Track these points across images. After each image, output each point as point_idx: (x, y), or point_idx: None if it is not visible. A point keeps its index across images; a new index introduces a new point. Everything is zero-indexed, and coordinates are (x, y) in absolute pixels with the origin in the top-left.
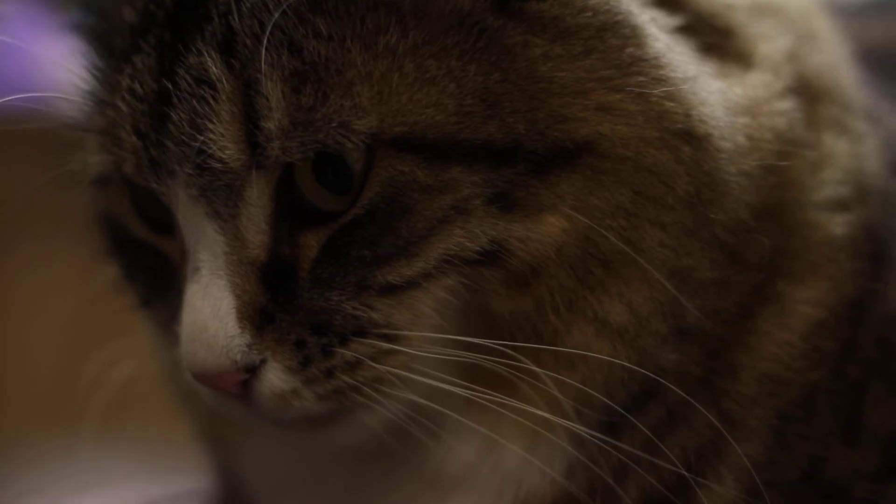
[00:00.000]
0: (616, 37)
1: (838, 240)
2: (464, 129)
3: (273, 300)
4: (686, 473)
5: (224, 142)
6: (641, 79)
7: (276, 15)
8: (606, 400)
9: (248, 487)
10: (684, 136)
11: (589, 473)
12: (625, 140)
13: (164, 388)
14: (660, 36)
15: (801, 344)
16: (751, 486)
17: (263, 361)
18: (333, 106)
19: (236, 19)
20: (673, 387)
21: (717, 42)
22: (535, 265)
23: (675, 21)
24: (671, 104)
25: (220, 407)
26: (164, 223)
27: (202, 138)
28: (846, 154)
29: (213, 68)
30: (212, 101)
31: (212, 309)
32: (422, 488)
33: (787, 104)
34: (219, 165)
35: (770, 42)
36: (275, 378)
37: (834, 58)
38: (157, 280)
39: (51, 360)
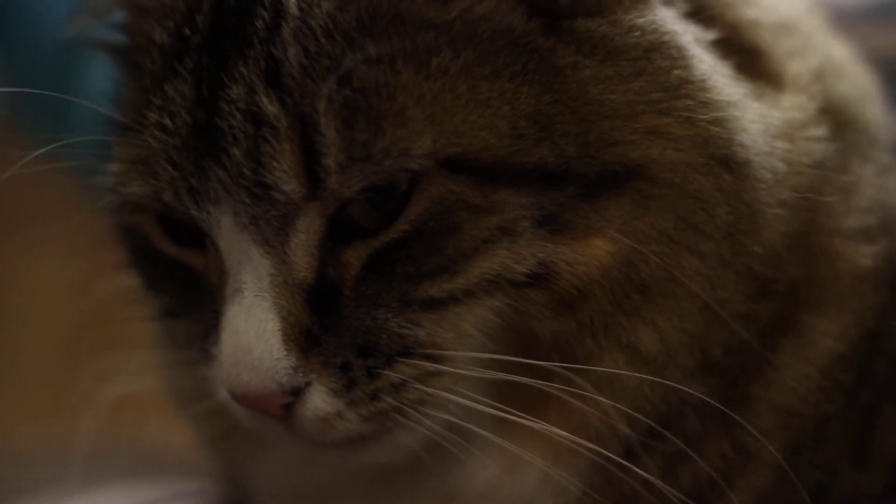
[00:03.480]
0: (663, 58)
1: (863, 271)
2: (517, 151)
3: (318, 322)
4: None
5: (287, 177)
6: (689, 102)
7: (325, 42)
8: (627, 427)
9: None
10: (726, 162)
11: (602, 497)
12: (673, 165)
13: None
14: (704, 57)
15: (819, 378)
16: None
17: (308, 384)
18: (389, 138)
19: (279, 48)
20: (692, 418)
21: (748, 62)
22: (581, 288)
23: (710, 35)
24: (716, 129)
25: (256, 428)
26: (191, 238)
27: (264, 173)
28: (872, 183)
29: (269, 107)
30: (273, 141)
31: (256, 331)
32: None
33: (821, 130)
34: (280, 197)
35: (798, 61)
36: (319, 401)
37: (859, 90)
38: (185, 294)
39: (48, 358)
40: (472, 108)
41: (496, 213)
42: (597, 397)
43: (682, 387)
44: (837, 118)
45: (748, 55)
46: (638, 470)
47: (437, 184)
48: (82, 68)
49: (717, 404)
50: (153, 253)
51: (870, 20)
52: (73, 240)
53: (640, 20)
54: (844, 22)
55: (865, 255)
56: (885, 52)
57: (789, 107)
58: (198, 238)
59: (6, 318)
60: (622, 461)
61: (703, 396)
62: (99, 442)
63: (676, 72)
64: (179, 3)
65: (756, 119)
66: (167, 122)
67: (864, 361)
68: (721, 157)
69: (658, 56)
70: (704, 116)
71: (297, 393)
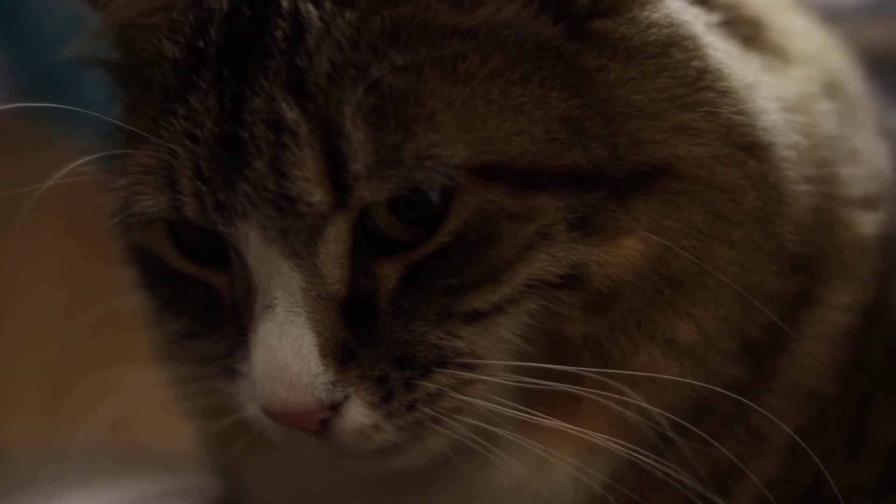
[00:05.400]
0: (681, 50)
1: (867, 240)
2: (552, 156)
3: (354, 335)
4: (711, 492)
5: (311, 187)
6: (710, 94)
7: (350, 53)
8: (666, 420)
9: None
10: (750, 149)
11: (629, 489)
12: (699, 160)
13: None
14: (716, 42)
15: (830, 352)
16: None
17: (346, 398)
18: (421, 141)
19: (304, 58)
20: (728, 402)
21: (754, 34)
22: (612, 288)
23: (715, 18)
24: (738, 117)
25: (288, 442)
26: (210, 256)
27: (288, 184)
28: (868, 150)
29: (289, 112)
30: (294, 148)
31: (292, 347)
32: (465, 503)
33: (830, 103)
34: (306, 209)
35: (799, 37)
36: (357, 414)
37: (844, 63)
38: (205, 313)
39: (41, 356)
40: (506, 114)
41: (536, 219)
42: (635, 395)
43: (726, 370)
44: (836, 90)
45: (753, 27)
46: (664, 461)
47: (475, 194)
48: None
49: (741, 391)
50: (169, 274)
51: (861, 16)
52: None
53: (656, 15)
54: (836, 18)
55: (869, 223)
56: (877, 47)
57: (801, 79)
58: (216, 255)
59: (3, 313)
60: (652, 454)
61: (737, 375)
62: (94, 439)
63: (694, 63)
64: (189, 16)
65: (772, 96)
66: (197, 131)
67: (865, 339)
68: (745, 144)
69: (676, 50)
70: (726, 106)
71: (335, 407)
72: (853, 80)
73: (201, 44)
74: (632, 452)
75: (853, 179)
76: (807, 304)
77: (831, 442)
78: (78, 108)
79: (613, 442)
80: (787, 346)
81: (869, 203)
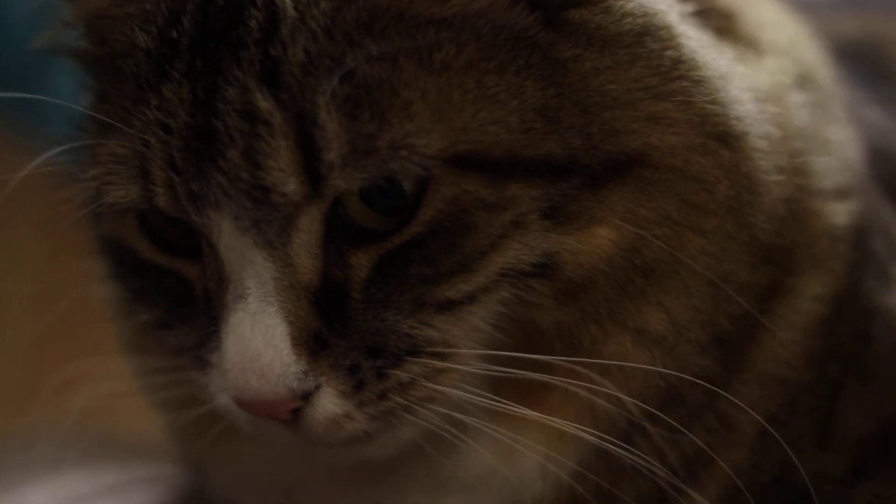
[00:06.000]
0: (655, 40)
1: (839, 230)
2: (527, 145)
3: (326, 325)
4: (680, 481)
5: (285, 176)
6: (684, 84)
7: (324, 42)
8: (635, 409)
9: (228, 497)
10: (724, 138)
11: (597, 477)
12: (673, 149)
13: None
14: (689, 32)
15: (802, 342)
16: (728, 493)
17: (318, 387)
18: (396, 131)
19: (278, 48)
20: (697, 392)
21: (726, 25)
22: (585, 277)
23: (689, 7)
24: (712, 107)
25: (259, 432)
26: (181, 246)
27: (262, 174)
28: (840, 141)
29: (263, 102)
30: (268, 138)
31: (264, 337)
32: (434, 492)
33: (803, 94)
34: (280, 199)
35: (772, 28)
36: (329, 403)
37: (816, 53)
38: (176, 304)
39: (11, 346)
40: (481, 104)
41: (510, 208)
42: (605, 383)
43: (695, 360)
44: (808, 82)
45: (726, 18)
46: (633, 449)
47: (450, 184)
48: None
49: (711, 381)
50: (139, 265)
51: (834, 8)
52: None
53: (631, 5)
54: (809, 9)
55: (841, 213)
56: (850, 39)
57: (774, 69)
58: (188, 245)
59: None
60: (621, 442)
61: (707, 366)
62: (64, 428)
63: (668, 52)
64: (163, 6)
65: (746, 86)
66: (170, 121)
67: (836, 328)
68: (718, 133)
69: (650, 39)
70: (699, 96)
71: (306, 397)
72: (825, 71)
73: (174, 34)
74: (601, 440)
75: (825, 170)
76: (779, 294)
77: (801, 430)
78: (48, 98)
79: (582, 430)
80: (758, 337)
81: (841, 194)
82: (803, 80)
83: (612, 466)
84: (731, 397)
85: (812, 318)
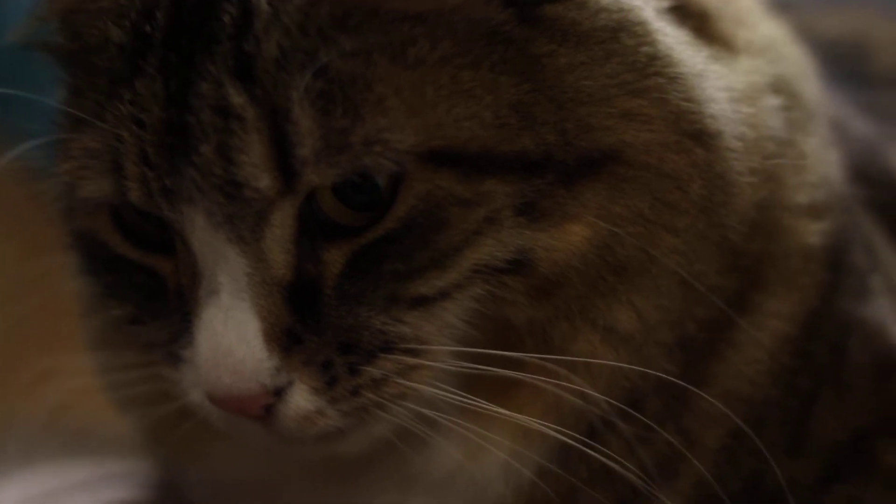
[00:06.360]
0: (630, 36)
1: (811, 249)
2: (502, 141)
3: (299, 321)
4: (646, 484)
5: (258, 172)
6: (660, 80)
7: (298, 38)
8: (600, 408)
9: (201, 494)
10: (698, 136)
11: (563, 477)
12: (647, 146)
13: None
14: (665, 28)
15: (768, 361)
16: (693, 502)
17: (290, 383)
18: (370, 126)
19: (252, 43)
20: (656, 399)
21: (702, 25)
22: (558, 273)
23: (664, 3)
24: (687, 104)
25: (231, 429)
26: (154, 241)
27: (235, 169)
28: (818, 158)
29: (236, 97)
30: (241, 133)
31: (237, 333)
32: (403, 490)
33: (776, 100)
34: (253, 194)
35: (746, 29)
36: (301, 400)
37: (799, 67)
38: (149, 299)
39: None
40: (455, 100)
41: (484, 204)
42: (573, 379)
43: (660, 363)
44: (785, 87)
45: (701, 16)
46: (598, 451)
47: (424, 179)
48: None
49: (679, 383)
50: (112, 260)
51: (816, 6)
52: (19, 229)
53: (606, 1)
54: (790, 7)
55: (814, 233)
56: (832, 37)
57: (749, 70)
58: (161, 240)
59: None
60: (588, 441)
61: (670, 371)
62: (36, 423)
63: (644, 49)
64: (136, 1)
65: (721, 85)
66: (143, 116)
67: (806, 346)
68: (693, 132)
69: (626, 35)
70: (675, 93)
71: (279, 393)
72: (810, 84)
73: (148, 28)
74: (567, 438)
75: (800, 185)
76: (745, 310)
77: (771, 440)
78: (21, 93)
79: (549, 427)
80: (721, 352)
81: (815, 212)
82: (779, 84)
83: (576, 466)
84: (692, 412)
85: (778, 336)
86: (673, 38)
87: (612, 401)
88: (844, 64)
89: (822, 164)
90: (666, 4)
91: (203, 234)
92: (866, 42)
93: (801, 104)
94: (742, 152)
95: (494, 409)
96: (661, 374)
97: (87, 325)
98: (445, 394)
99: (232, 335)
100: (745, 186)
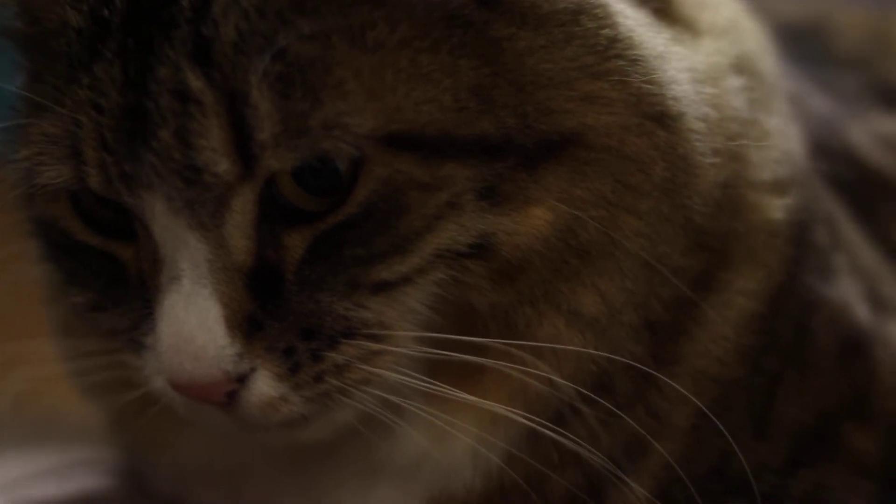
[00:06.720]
0: (591, 19)
1: (775, 225)
2: (461, 125)
3: (261, 307)
4: (612, 469)
5: (217, 156)
6: (621, 63)
7: (256, 21)
8: (574, 390)
9: (165, 481)
10: (660, 119)
11: (528, 462)
12: (608, 129)
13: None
14: (626, 11)
15: (734, 338)
16: (662, 484)
17: (253, 370)
18: (329, 110)
19: (210, 27)
20: (625, 380)
21: (663, 7)
22: (520, 258)
23: None
24: (648, 87)
25: (194, 416)
26: (115, 228)
27: (194, 154)
28: (780, 133)
29: (194, 82)
30: (199, 117)
31: (198, 319)
32: (368, 476)
33: (739, 80)
34: (212, 179)
35: (711, 10)
36: (264, 386)
37: (759, 44)
38: (110, 286)
39: None
40: (415, 83)
41: (445, 188)
42: (538, 364)
43: (627, 345)
44: (746, 67)
45: (662, 0)
46: (566, 435)
47: (384, 164)
48: None
49: (644, 367)
50: (73, 246)
51: None
52: None
53: None
54: None
55: (778, 209)
56: (793, 22)
57: (711, 51)
58: (121, 227)
59: None
60: (554, 426)
61: (638, 352)
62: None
63: (604, 31)
64: None
65: (683, 67)
66: (102, 101)
67: (772, 324)
68: (655, 114)
69: (586, 18)
70: (636, 75)
71: (241, 380)
72: (768, 61)
73: (106, 13)
74: (533, 423)
75: (763, 161)
76: (711, 288)
77: (737, 422)
78: None
79: (515, 412)
80: (689, 329)
81: (778, 187)
82: (741, 64)
83: (544, 451)
84: (661, 391)
85: (745, 314)
86: (634, 21)
87: (579, 384)
88: (804, 45)
89: (784, 139)
90: None
91: (163, 220)
92: (826, 24)
93: (762, 82)
94: (705, 133)
95: (459, 394)
96: (622, 359)
97: (51, 313)
98: (410, 380)
99: (193, 322)
100: (708, 167)
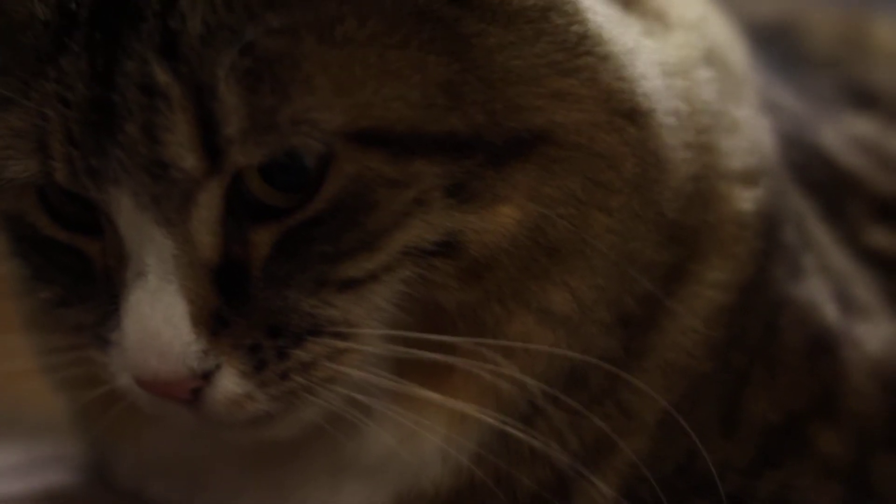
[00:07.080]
0: (560, 15)
1: (745, 217)
2: (430, 121)
3: (227, 303)
4: (581, 466)
5: (184, 151)
6: (590, 59)
7: (224, 14)
8: (544, 388)
9: (130, 477)
10: (630, 115)
11: (498, 461)
12: (578, 126)
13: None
14: (596, 7)
15: (704, 331)
16: (628, 483)
17: (218, 367)
18: (297, 105)
19: (177, 20)
20: (599, 375)
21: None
22: (488, 256)
23: None
24: (618, 83)
25: (159, 412)
26: (82, 223)
27: (160, 149)
28: (750, 124)
29: (161, 76)
30: (166, 112)
31: (164, 315)
32: (335, 475)
33: (709, 72)
34: (178, 174)
35: (680, 3)
36: (229, 383)
37: (726, 35)
38: (76, 281)
39: None
40: (384, 79)
41: (413, 185)
42: (508, 364)
43: (599, 342)
44: (716, 59)
45: None
46: (534, 433)
47: (352, 160)
48: None
49: (616, 365)
50: (40, 241)
51: None
52: None
53: None
54: None
55: (748, 200)
56: (768, 21)
57: (682, 44)
58: (88, 222)
59: None
60: (523, 427)
61: (611, 348)
62: None
63: (574, 28)
64: None
65: (653, 60)
66: (69, 95)
67: (741, 318)
68: (625, 110)
69: (555, 14)
70: (606, 72)
71: (207, 377)
72: (737, 53)
73: (73, 5)
74: (502, 423)
75: (732, 151)
76: (682, 280)
77: (705, 419)
78: None
79: (484, 412)
80: (659, 322)
81: (748, 178)
82: (710, 56)
83: (513, 450)
84: (633, 380)
85: (715, 306)
86: (603, 16)
87: (550, 382)
88: (776, 45)
89: (753, 130)
90: None
91: (129, 216)
92: (797, 25)
93: (732, 72)
94: (676, 128)
95: (427, 394)
96: (593, 358)
97: (20, 308)
98: (377, 378)
99: (159, 318)
100: (679, 162)
